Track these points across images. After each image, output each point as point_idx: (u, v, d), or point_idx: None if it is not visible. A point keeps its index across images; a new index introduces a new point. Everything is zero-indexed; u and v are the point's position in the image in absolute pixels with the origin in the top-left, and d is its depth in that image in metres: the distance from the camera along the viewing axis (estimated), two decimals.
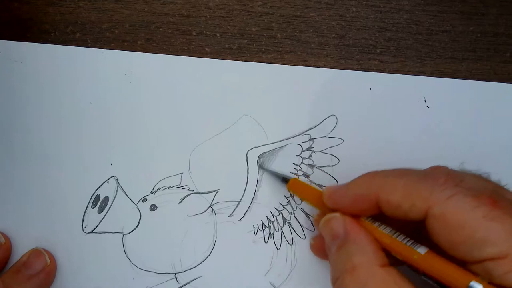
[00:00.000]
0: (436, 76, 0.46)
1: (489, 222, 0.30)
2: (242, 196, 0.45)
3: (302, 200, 0.44)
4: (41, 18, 0.49)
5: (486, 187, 0.33)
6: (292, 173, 0.45)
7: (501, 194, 0.32)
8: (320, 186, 0.44)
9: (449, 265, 0.32)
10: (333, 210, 0.37)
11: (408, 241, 0.34)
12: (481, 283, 0.30)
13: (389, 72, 0.46)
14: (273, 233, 0.44)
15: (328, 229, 0.36)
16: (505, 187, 0.34)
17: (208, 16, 0.48)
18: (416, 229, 0.34)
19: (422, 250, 0.33)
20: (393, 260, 0.34)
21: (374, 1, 0.47)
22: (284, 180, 0.43)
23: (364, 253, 0.34)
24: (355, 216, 0.36)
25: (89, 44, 0.48)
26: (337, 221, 0.36)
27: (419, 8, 0.47)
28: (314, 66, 0.47)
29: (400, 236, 0.34)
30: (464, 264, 0.31)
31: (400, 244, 0.34)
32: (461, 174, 0.34)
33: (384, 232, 0.35)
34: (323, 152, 0.45)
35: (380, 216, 0.35)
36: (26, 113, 0.47)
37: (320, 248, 0.42)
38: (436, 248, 0.32)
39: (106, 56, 0.47)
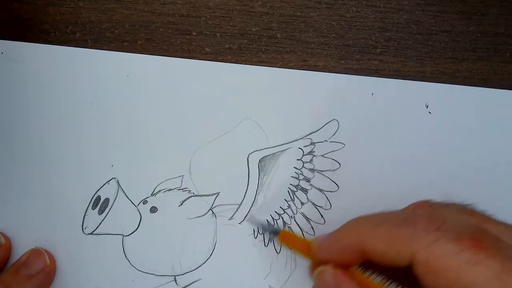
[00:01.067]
0: (436, 76, 0.46)
1: (473, 267, 0.30)
2: (243, 199, 0.45)
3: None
4: (41, 18, 0.48)
5: (469, 226, 0.32)
6: (293, 177, 0.45)
7: (485, 231, 0.32)
8: (321, 190, 0.45)
9: None
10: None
11: None
12: None
13: (389, 72, 0.46)
14: (273, 237, 0.44)
15: (320, 283, 0.36)
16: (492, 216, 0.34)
17: (208, 16, 0.48)
18: (408, 271, 0.33)
19: None
20: None
21: (374, 1, 0.47)
22: (274, 232, 0.44)
23: None
24: (347, 266, 0.35)
25: (89, 44, 0.48)
26: (328, 274, 0.35)
27: (419, 8, 0.47)
28: (314, 66, 0.47)
29: (392, 284, 0.34)
30: None
31: None
32: (443, 214, 0.34)
33: (375, 282, 0.34)
34: (324, 157, 0.45)
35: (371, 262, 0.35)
36: (27, 114, 0.47)
37: None
38: None
39: (107, 58, 0.47)
